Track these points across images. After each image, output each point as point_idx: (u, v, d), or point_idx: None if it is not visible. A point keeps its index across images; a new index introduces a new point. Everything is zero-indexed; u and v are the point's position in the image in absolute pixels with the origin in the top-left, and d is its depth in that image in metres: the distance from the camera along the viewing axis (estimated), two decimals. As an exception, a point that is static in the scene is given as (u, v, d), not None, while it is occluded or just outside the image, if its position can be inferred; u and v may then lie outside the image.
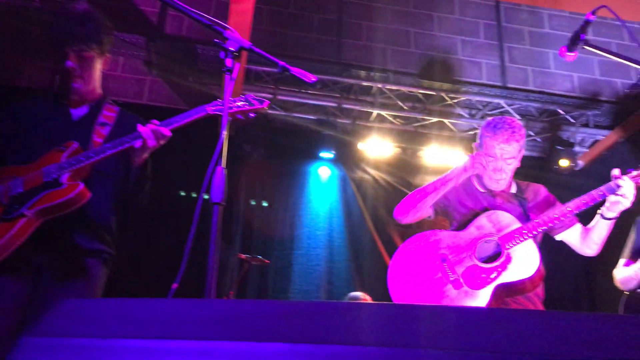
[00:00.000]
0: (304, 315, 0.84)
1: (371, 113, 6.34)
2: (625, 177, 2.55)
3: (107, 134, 2.51)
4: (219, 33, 2.06)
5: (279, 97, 6.11)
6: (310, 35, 6.53)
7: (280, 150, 6.11)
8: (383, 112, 6.33)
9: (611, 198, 2.57)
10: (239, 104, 2.47)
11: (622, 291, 3.29)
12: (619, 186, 2.54)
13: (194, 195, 5.82)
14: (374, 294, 4.98)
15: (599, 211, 2.67)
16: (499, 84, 6.53)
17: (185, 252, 1.76)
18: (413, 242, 2.89)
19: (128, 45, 6.05)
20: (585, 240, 2.81)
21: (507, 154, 2.79)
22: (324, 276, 5.88)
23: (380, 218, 6.15)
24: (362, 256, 6.03)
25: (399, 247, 2.92)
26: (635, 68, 2.33)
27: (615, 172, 2.58)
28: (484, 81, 6.56)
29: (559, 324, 1.03)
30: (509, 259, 2.65)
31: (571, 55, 2.54)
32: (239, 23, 4.73)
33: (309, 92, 6.17)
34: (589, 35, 6.99)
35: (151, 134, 2.36)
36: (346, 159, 6.34)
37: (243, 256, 4.57)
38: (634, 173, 2.56)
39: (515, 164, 2.86)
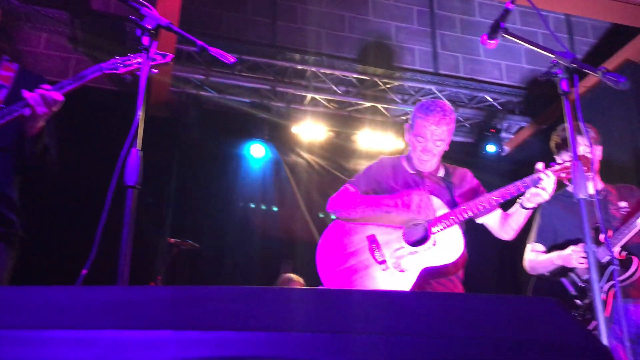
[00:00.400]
0: (194, 302, 0.82)
1: (305, 97, 6.33)
2: (547, 171, 2.64)
3: (4, 98, 2.33)
4: (135, 10, 1.98)
5: (212, 79, 5.99)
6: (244, 16, 6.41)
7: (213, 133, 6.00)
8: (317, 96, 6.32)
9: (532, 190, 2.65)
10: (138, 60, 2.33)
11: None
12: (540, 179, 2.63)
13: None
14: (307, 277, 5.02)
15: (519, 200, 2.75)
16: (431, 70, 6.64)
17: (96, 238, 1.70)
18: (342, 222, 2.91)
19: (51, 21, 5.76)
20: (503, 225, 2.91)
21: (437, 136, 2.83)
22: (257, 260, 5.86)
23: (313, 201, 6.17)
24: (295, 239, 6.04)
25: (328, 227, 2.93)
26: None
27: (539, 166, 2.67)
28: (417, 67, 6.66)
29: (473, 306, 1.05)
30: (435, 243, 2.71)
31: (492, 43, 2.59)
32: (168, 2, 4.60)
33: (243, 74, 6.08)
34: (518, 25, 7.17)
35: (40, 99, 2.18)
36: (280, 142, 6.31)
37: (172, 240, 4.49)
38: (556, 167, 2.65)
39: (443, 147, 2.90)
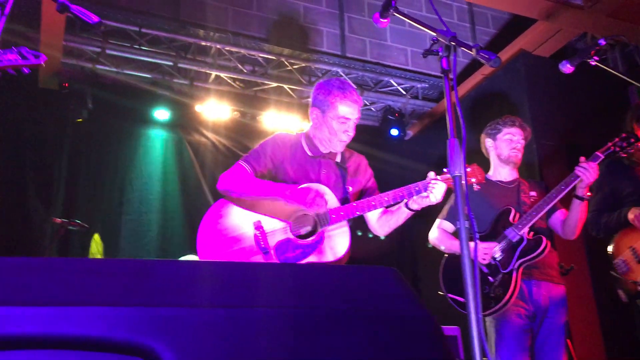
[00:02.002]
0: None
1: (209, 74, 6.14)
2: (439, 179, 2.65)
3: None
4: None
5: (108, 52, 5.67)
6: (147, -12, 6.11)
7: (109, 109, 5.70)
8: (222, 74, 6.16)
9: (422, 194, 2.65)
10: (10, 57, 2.17)
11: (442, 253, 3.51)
12: (432, 186, 2.64)
13: None
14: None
15: (405, 200, 2.73)
16: (338, 53, 6.64)
17: None
18: (228, 204, 2.78)
19: None
20: (381, 221, 2.89)
21: (355, 115, 2.79)
22: (156, 242, 5.66)
23: (214, 181, 6.03)
24: (197, 221, 5.87)
25: (212, 205, 2.80)
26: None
27: (431, 174, 2.66)
28: (325, 49, 6.63)
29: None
30: (321, 239, 2.63)
31: (384, 21, 2.58)
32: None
33: (142, 48, 5.80)
34: (424, 12, 7.24)
35: None
36: (182, 121, 6.10)
37: (58, 220, 4.23)
38: (447, 176, 2.63)
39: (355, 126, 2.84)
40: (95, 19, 1.77)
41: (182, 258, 4.96)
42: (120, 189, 5.72)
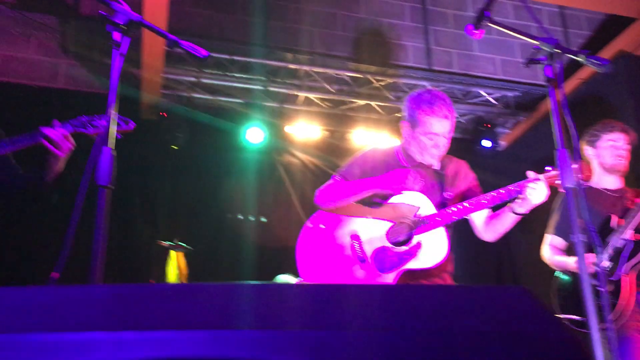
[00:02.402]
0: (133, 301, 0.77)
1: (298, 96, 6.27)
2: (541, 177, 2.56)
3: None
4: (105, 5, 1.94)
5: (203, 81, 5.94)
6: (236, 17, 6.37)
7: (204, 135, 5.95)
8: (310, 95, 6.27)
9: (524, 195, 2.57)
10: (103, 123, 2.39)
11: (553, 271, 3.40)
12: (531, 186, 2.55)
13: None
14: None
15: (509, 204, 2.67)
16: (424, 66, 6.59)
17: (67, 240, 1.65)
18: (324, 217, 2.84)
19: (41, 27, 5.73)
20: (488, 226, 2.83)
21: (447, 129, 2.73)
22: (252, 261, 5.80)
23: (308, 201, 6.12)
24: (290, 240, 5.98)
25: (310, 218, 2.86)
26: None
27: (531, 174, 2.58)
28: (410, 64, 6.61)
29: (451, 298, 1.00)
30: (418, 246, 2.62)
31: (477, 33, 2.54)
32: (155, 3, 4.55)
33: (235, 75, 6.03)
34: (511, 19, 7.09)
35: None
36: (274, 142, 6.26)
37: (164, 243, 4.44)
38: (550, 174, 2.56)
39: (448, 140, 2.79)
40: (204, 53, 1.86)
41: (278, 277, 5.06)
42: (217, 210, 5.92)
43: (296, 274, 5.02)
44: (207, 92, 6.05)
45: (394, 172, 2.67)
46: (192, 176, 6.00)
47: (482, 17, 2.46)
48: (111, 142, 1.80)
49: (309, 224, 2.85)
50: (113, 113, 2.32)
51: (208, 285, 0.87)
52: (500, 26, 2.45)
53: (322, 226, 2.83)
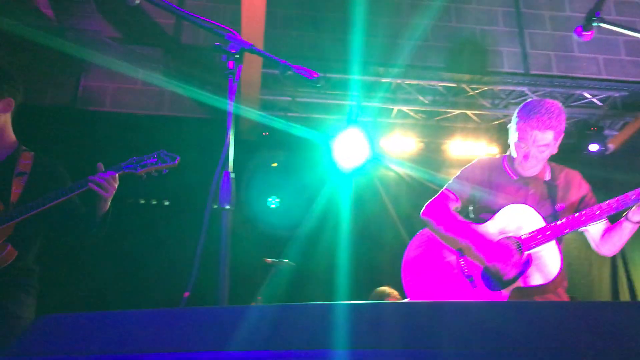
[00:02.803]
0: (293, 320, 0.80)
1: (392, 109, 6.27)
2: None
3: (25, 183, 2.58)
4: (219, 36, 2.04)
5: (298, 100, 6.08)
6: (325, 35, 6.49)
7: (301, 151, 6.07)
8: (404, 108, 6.25)
9: None
10: (152, 161, 2.57)
11: None
12: None
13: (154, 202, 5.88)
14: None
15: (625, 213, 2.53)
16: (521, 71, 6.39)
17: (196, 260, 1.74)
18: (427, 235, 2.80)
19: (146, 58, 6.10)
20: (604, 238, 2.68)
21: (540, 141, 2.60)
22: (352, 274, 5.82)
23: (406, 214, 6.07)
24: (389, 253, 5.95)
25: (413, 238, 2.84)
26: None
27: None
28: (506, 69, 6.42)
29: (582, 314, 0.96)
30: (529, 262, 2.53)
31: (587, 34, 2.44)
32: (252, 28, 4.72)
33: (328, 92, 6.12)
34: (613, 15, 6.76)
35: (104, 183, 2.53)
36: (369, 157, 6.27)
37: (269, 260, 4.55)
38: None
39: (549, 152, 2.68)
40: (315, 74, 1.92)
41: (377, 289, 5.04)
42: (313, 225, 5.99)
43: (392, 286, 5.00)
44: (303, 111, 6.18)
45: (498, 245, 2.60)
46: (290, 192, 6.13)
47: (593, 17, 2.37)
48: (230, 165, 1.88)
49: (415, 241, 2.83)
50: (162, 152, 2.54)
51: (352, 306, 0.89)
52: (612, 25, 2.35)
53: (427, 243, 2.80)
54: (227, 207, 1.82)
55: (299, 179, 6.20)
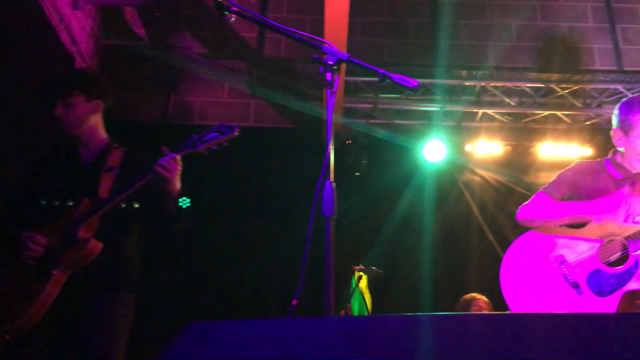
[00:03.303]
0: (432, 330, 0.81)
1: (476, 112, 6.13)
2: None
3: (114, 178, 2.64)
4: (317, 49, 2.08)
5: (380, 106, 6.07)
6: (406, 40, 6.46)
7: (385, 158, 6.06)
8: (489, 111, 6.10)
9: None
10: (212, 135, 2.52)
11: None
12: None
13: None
14: (491, 294, 4.78)
15: None
16: (614, 68, 6.09)
17: (302, 269, 1.78)
18: (525, 241, 2.72)
19: (231, 72, 6.30)
20: None
21: None
22: (440, 280, 5.73)
23: (493, 218, 5.92)
24: (475, 258, 5.82)
25: (510, 246, 2.76)
26: None
27: None
28: (598, 67, 6.15)
29: None
30: (636, 264, 2.41)
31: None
32: (335, 37, 4.77)
33: (410, 98, 6.08)
34: None
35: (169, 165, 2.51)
36: (454, 162, 6.17)
37: (357, 268, 4.56)
38: None
39: None
40: (414, 82, 1.91)
41: (465, 296, 4.92)
42: (399, 232, 5.94)
43: (479, 291, 4.87)
44: (385, 117, 6.17)
45: (608, 198, 2.50)
46: (374, 199, 6.12)
47: None
48: (332, 175, 1.90)
49: (512, 251, 2.75)
50: (221, 124, 2.51)
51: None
52: None
53: (525, 249, 2.71)
54: (330, 216, 1.85)
55: (383, 185, 6.18)
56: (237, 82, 6.46)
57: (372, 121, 6.17)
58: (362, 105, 6.15)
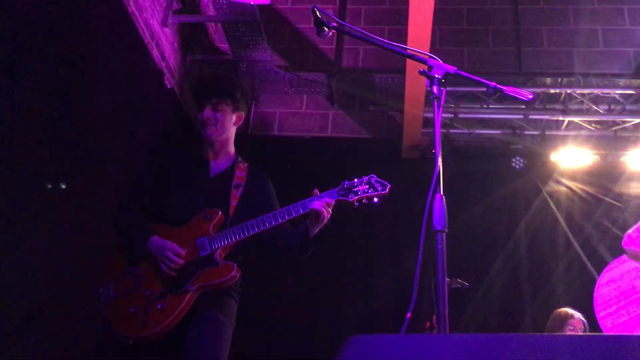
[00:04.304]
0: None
1: (562, 121, 5.95)
2: None
3: (240, 195, 2.70)
4: (422, 62, 2.09)
5: (461, 116, 6.00)
6: (486, 48, 6.36)
7: (468, 168, 5.96)
8: (575, 119, 5.90)
9: None
10: (363, 188, 2.52)
11: None
12: None
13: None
14: (578, 306, 4.61)
15: None
16: None
17: (415, 282, 1.79)
18: (625, 262, 2.62)
19: (310, 83, 6.40)
20: None
21: None
22: (527, 294, 5.58)
23: (580, 229, 5.70)
24: (565, 271, 5.62)
25: (610, 264, 2.66)
26: None
27: None
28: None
29: None
30: None
31: None
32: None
33: (491, 107, 5.97)
34: None
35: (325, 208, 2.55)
36: (538, 173, 6.00)
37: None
38: None
39: None
40: (530, 95, 1.89)
41: (559, 311, 4.75)
42: (484, 243, 5.82)
43: (567, 304, 4.69)
44: (465, 127, 6.08)
45: None
46: (455, 209, 6.03)
47: None
48: (441, 187, 1.90)
49: (608, 270, 2.66)
50: (372, 177, 2.51)
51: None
52: None
53: (622, 273, 2.62)
54: (441, 230, 1.85)
55: (464, 195, 6.09)
56: (315, 94, 6.56)
57: (452, 131, 6.10)
58: (443, 115, 6.08)
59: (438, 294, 1.77)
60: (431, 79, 2.04)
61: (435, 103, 2.01)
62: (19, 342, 3.38)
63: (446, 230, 1.86)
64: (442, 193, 1.90)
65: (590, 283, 5.43)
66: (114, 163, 4.43)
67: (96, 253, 3.02)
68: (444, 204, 1.89)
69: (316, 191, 2.56)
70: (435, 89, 2.02)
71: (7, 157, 3.39)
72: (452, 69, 2.04)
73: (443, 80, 2.03)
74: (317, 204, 2.49)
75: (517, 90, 1.92)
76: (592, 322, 4.17)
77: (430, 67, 2.06)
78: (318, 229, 2.57)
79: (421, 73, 2.05)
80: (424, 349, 0.90)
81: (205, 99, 2.75)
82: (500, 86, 1.95)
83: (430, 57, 2.08)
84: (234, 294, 2.69)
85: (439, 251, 1.83)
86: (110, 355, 2.52)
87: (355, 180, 2.57)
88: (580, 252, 5.61)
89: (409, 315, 1.75)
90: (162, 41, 5.47)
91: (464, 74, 2.03)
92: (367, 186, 2.53)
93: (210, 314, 2.53)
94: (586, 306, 4.64)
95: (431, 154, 5.89)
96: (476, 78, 2.04)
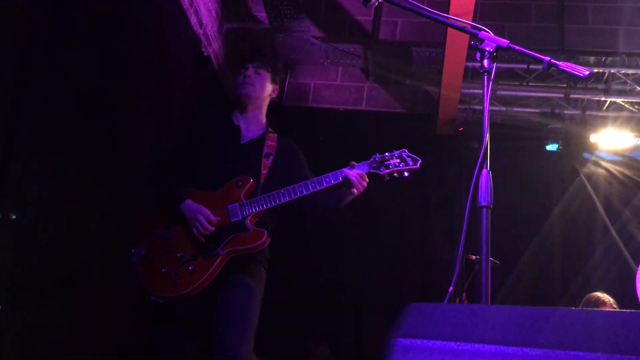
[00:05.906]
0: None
1: (604, 102, 5.79)
2: None
3: (270, 164, 2.74)
4: (473, 35, 2.04)
5: (499, 93, 5.88)
6: (528, 24, 6.18)
7: (503, 146, 5.86)
8: (618, 99, 5.74)
9: None
10: (394, 162, 2.54)
11: None
12: None
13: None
14: (614, 293, 4.55)
15: None
16: None
17: (458, 258, 1.78)
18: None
19: (346, 55, 6.33)
20: None
21: None
22: (557, 276, 5.51)
23: (618, 214, 5.58)
24: (599, 256, 5.53)
25: None
26: None
27: None
28: None
29: None
30: None
31: None
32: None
33: (531, 84, 5.84)
34: None
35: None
36: (576, 153, 5.87)
37: (473, 257, 4.47)
38: None
39: None
40: (586, 71, 1.84)
41: (591, 295, 4.69)
42: (514, 224, 5.75)
43: (602, 290, 4.62)
44: (503, 104, 5.97)
45: None
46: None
47: None
48: (488, 163, 1.87)
49: None
50: (403, 151, 2.51)
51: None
52: None
53: None
54: (487, 205, 1.83)
55: (498, 174, 5.99)
56: (351, 66, 6.49)
57: (491, 108, 5.97)
58: (480, 91, 5.98)
59: (481, 270, 1.76)
60: (482, 52, 2.00)
61: (485, 77, 1.97)
62: (55, 303, 3.46)
63: (491, 205, 1.83)
64: (488, 168, 1.87)
65: (626, 270, 5.36)
66: (149, 126, 4.48)
67: (132, 215, 3.07)
68: (490, 179, 1.86)
69: (353, 163, 2.58)
70: (486, 62, 1.98)
71: (47, 119, 3.45)
72: (504, 42, 1.99)
73: (495, 54, 1.98)
74: (350, 174, 2.52)
75: (573, 65, 1.87)
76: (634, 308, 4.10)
77: (481, 40, 2.01)
78: (351, 199, 2.60)
79: (472, 46, 2.00)
80: (482, 318, 0.90)
81: (249, 61, 2.87)
82: (555, 61, 1.90)
83: (483, 29, 2.03)
84: (264, 262, 2.74)
85: (484, 227, 1.81)
86: (143, 316, 2.59)
87: (387, 154, 2.59)
88: (617, 237, 5.50)
89: (451, 288, 1.74)
90: (201, 8, 5.45)
91: (517, 47, 1.98)
92: (398, 160, 2.55)
93: (241, 279, 2.59)
94: (621, 294, 4.57)
95: (460, 133, 5.80)
96: (531, 52, 1.99)
